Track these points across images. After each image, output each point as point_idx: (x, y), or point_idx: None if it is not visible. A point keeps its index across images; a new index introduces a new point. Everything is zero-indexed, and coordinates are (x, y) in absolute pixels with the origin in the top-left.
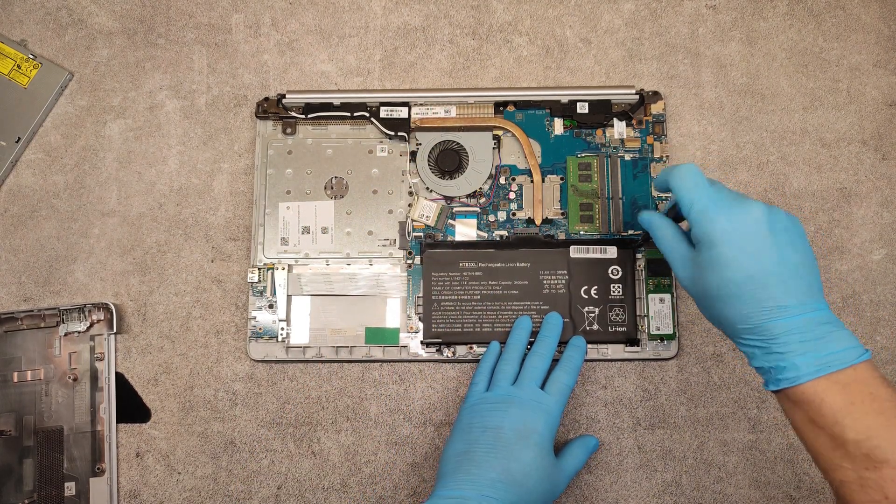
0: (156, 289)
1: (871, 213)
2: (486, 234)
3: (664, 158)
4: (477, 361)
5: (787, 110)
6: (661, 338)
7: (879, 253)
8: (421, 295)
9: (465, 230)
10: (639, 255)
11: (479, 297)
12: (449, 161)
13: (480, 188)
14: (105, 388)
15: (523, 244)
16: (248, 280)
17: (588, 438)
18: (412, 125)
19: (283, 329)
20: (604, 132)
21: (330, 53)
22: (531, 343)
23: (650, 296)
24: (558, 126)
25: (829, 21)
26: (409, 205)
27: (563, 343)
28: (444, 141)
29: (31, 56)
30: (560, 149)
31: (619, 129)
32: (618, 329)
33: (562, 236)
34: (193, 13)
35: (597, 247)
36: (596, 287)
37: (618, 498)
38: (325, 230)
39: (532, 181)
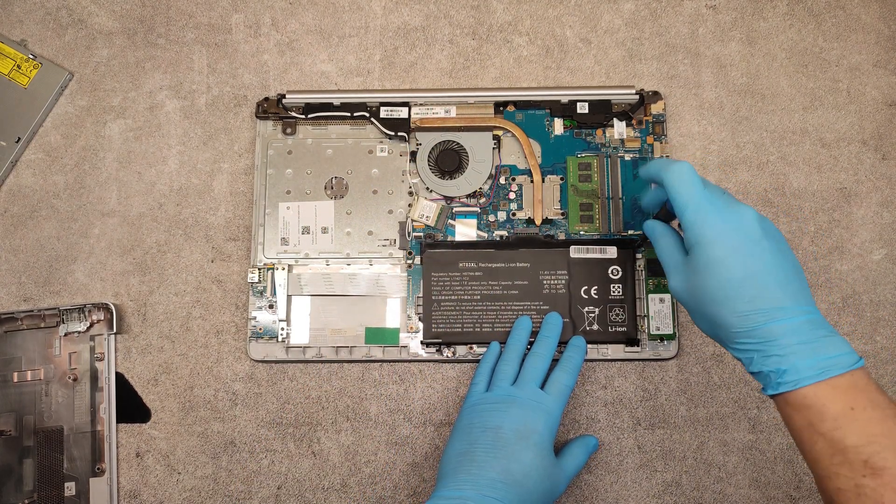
0: (156, 289)
1: (871, 213)
2: (486, 235)
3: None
4: (477, 361)
5: (787, 110)
6: (661, 338)
7: (879, 253)
8: (421, 295)
9: (465, 230)
10: (639, 256)
11: (479, 297)
12: (449, 161)
13: (480, 188)
14: (105, 388)
15: (523, 244)
16: (248, 280)
17: (588, 438)
18: (412, 125)
19: (283, 329)
20: (604, 132)
21: (330, 53)
22: (531, 343)
23: (650, 296)
24: (558, 126)
25: (829, 21)
26: (409, 205)
27: (563, 343)
28: (444, 141)
29: (31, 56)
30: (560, 149)
31: (619, 129)
32: (618, 329)
33: (562, 236)
34: (193, 13)
35: (597, 247)
36: (596, 287)
37: (618, 498)
38: (325, 230)
39: (532, 181)
